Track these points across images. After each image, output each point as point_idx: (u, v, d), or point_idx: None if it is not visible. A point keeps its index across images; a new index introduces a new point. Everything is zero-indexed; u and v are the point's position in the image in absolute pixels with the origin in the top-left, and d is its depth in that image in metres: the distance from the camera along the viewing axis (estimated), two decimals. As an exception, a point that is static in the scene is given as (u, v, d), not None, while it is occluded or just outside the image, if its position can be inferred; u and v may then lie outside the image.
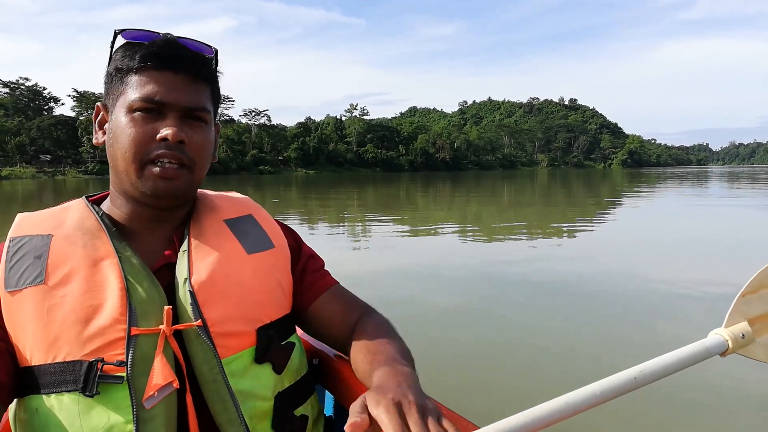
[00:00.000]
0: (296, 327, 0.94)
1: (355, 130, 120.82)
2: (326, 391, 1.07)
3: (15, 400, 0.76)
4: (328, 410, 1.09)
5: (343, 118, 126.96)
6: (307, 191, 30.06)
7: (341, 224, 12.24)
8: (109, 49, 0.84)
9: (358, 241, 9.35)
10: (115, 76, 0.82)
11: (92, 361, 0.70)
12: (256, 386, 0.80)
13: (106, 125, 0.85)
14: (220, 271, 0.82)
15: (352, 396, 0.89)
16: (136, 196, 0.83)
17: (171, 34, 0.84)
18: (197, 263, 0.82)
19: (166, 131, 0.78)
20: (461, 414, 0.77)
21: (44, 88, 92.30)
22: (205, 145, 0.85)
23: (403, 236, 9.81)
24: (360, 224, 11.92)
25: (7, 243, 0.80)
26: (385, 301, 4.69)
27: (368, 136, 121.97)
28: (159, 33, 0.84)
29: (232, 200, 0.97)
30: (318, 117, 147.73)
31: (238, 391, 0.77)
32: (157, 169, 0.79)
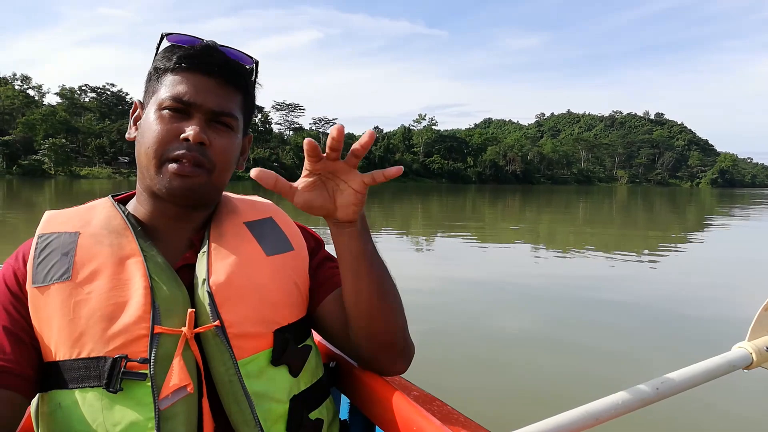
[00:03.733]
0: (313, 330, 0.94)
1: (423, 140, 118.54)
2: (342, 394, 1.06)
3: (38, 395, 0.77)
4: (344, 414, 1.07)
5: (412, 128, 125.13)
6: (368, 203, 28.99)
7: (405, 236, 11.91)
8: (155, 50, 0.86)
9: (421, 253, 9.32)
10: (153, 75, 0.85)
11: (116, 358, 0.71)
12: (272, 388, 0.80)
13: (139, 122, 0.86)
14: (238, 272, 0.82)
15: (368, 399, 0.89)
16: (156, 193, 0.83)
17: (214, 42, 0.85)
18: (216, 264, 0.82)
19: (189, 131, 0.79)
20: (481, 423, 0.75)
21: (127, 94, 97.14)
22: (228, 150, 0.85)
23: (472, 250, 9.69)
24: (424, 237, 11.73)
25: (35, 239, 0.80)
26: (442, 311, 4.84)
27: (436, 147, 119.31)
28: (203, 39, 0.85)
29: (254, 203, 0.97)
30: (393, 128, 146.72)
31: (253, 393, 0.77)
32: (175, 165, 0.79)
